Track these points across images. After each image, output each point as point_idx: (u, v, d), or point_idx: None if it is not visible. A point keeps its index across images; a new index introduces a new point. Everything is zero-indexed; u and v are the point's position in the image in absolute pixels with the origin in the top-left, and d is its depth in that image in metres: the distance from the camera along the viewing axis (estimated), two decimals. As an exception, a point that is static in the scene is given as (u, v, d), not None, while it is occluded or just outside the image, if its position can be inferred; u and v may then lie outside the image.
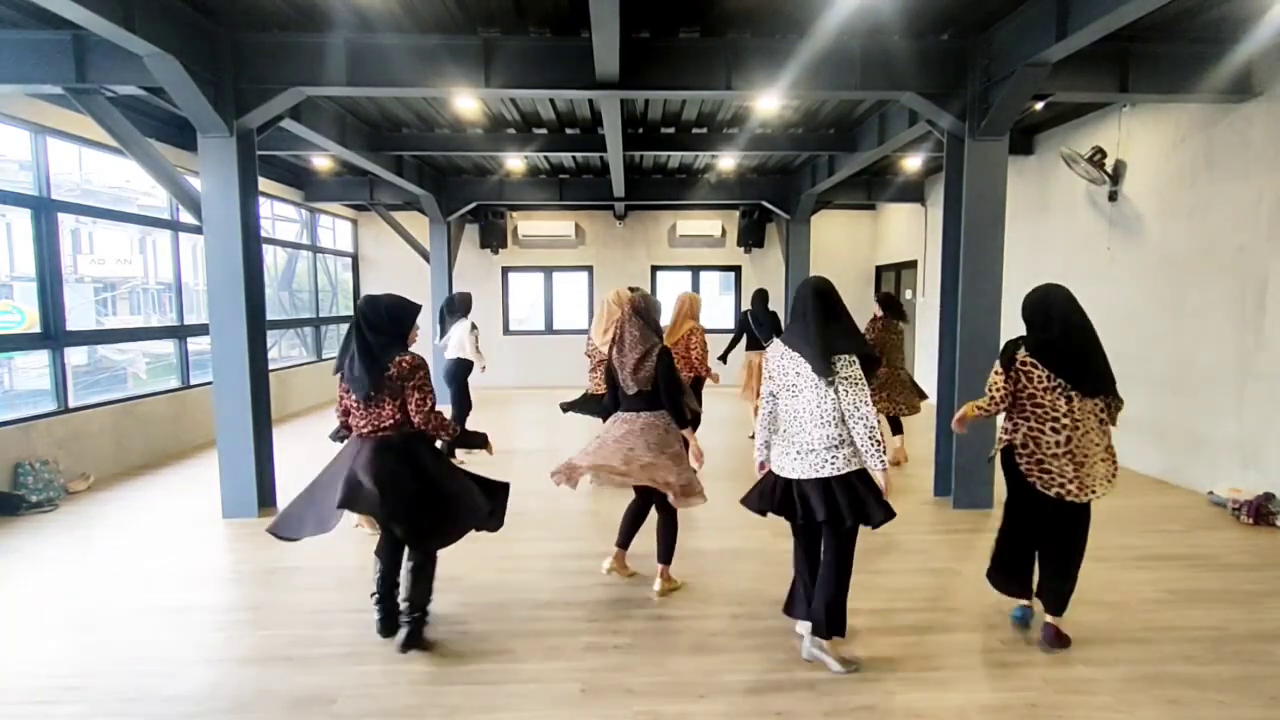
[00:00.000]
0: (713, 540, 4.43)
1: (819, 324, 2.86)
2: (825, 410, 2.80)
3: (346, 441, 3.25)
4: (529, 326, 12.27)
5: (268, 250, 8.65)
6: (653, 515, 3.72)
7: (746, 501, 3.12)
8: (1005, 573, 3.25)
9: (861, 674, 2.88)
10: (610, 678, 2.86)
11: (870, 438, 2.77)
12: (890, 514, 2.83)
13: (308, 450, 7.22)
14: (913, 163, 8.85)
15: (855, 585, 3.66)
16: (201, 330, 7.36)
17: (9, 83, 4.59)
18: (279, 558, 4.22)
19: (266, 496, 5.07)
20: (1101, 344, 2.98)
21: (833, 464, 2.79)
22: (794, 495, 2.88)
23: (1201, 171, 5.54)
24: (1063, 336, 2.94)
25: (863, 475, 2.84)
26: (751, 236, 11.74)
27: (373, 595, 3.24)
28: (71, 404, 5.90)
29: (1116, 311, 6.43)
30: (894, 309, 6.16)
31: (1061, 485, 2.95)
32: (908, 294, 11.04)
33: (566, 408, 5.57)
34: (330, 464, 3.18)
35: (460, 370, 6.67)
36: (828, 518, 2.81)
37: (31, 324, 5.70)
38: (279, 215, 9.89)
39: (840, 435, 2.81)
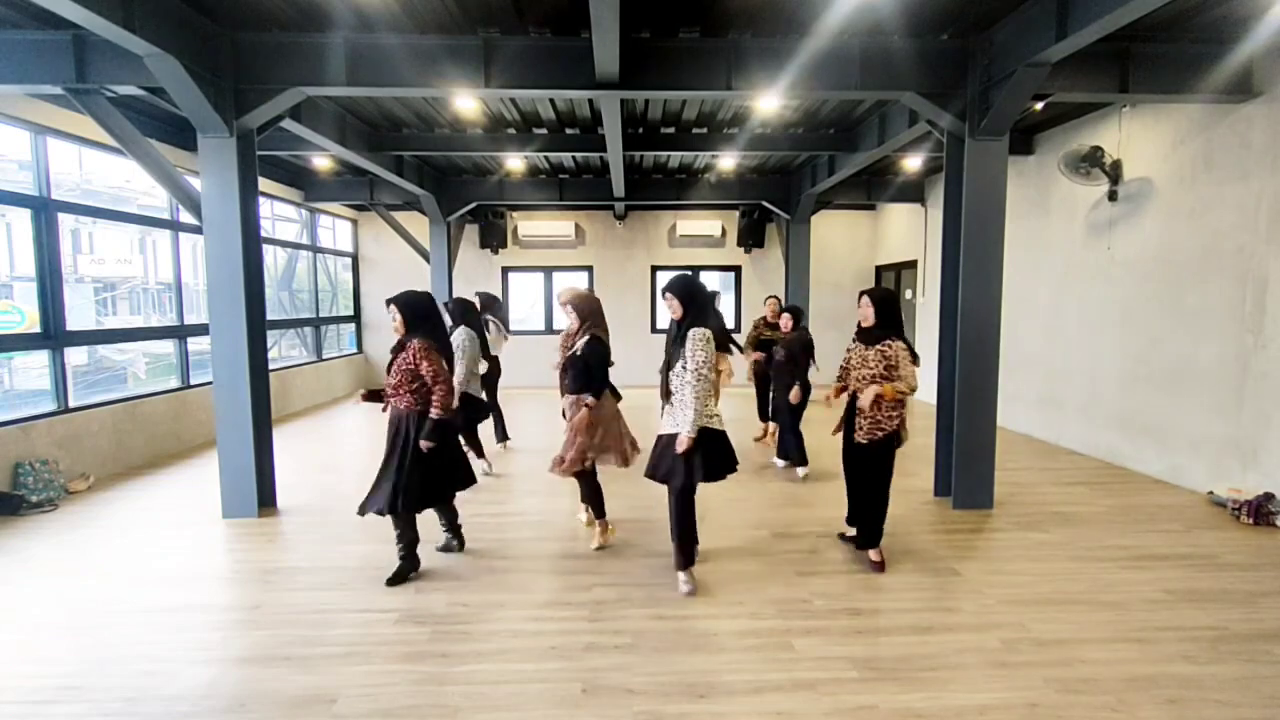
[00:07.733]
0: (712, 540, 4.42)
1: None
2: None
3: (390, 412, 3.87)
4: (529, 326, 12.26)
5: (268, 250, 8.66)
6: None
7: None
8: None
9: (861, 674, 2.88)
10: (610, 678, 2.87)
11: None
12: None
13: (308, 450, 7.23)
14: (913, 163, 8.84)
15: (855, 584, 3.77)
16: (201, 330, 7.36)
17: (9, 83, 4.59)
18: (279, 558, 4.23)
19: (266, 496, 5.07)
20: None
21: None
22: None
23: (1201, 172, 5.54)
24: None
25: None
26: (751, 236, 11.74)
27: (400, 547, 3.87)
28: (71, 404, 5.91)
29: (1117, 311, 6.44)
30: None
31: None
32: (908, 294, 11.04)
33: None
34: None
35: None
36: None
37: (31, 324, 5.69)
38: (279, 215, 9.89)
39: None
